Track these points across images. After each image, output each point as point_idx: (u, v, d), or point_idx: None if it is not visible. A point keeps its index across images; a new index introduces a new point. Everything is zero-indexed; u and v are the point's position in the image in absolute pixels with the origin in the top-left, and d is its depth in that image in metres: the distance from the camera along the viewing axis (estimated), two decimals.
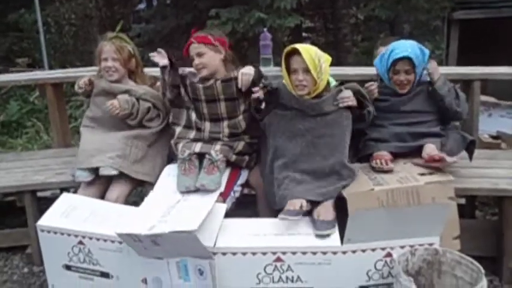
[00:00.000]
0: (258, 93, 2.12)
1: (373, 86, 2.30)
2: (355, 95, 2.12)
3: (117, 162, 2.28)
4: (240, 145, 2.29)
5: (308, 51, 2.05)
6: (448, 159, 2.04)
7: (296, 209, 1.91)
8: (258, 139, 2.34)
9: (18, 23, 8.62)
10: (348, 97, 2.10)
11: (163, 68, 2.30)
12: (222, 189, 2.15)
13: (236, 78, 2.23)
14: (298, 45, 2.07)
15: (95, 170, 2.29)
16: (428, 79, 2.31)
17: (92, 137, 2.42)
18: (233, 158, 2.25)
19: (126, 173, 2.29)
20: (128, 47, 2.45)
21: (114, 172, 2.26)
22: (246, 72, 2.22)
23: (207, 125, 2.31)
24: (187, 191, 2.12)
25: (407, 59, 2.22)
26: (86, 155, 2.32)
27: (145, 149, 2.40)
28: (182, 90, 2.35)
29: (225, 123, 2.29)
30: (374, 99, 2.29)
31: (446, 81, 2.27)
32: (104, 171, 2.25)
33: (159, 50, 2.31)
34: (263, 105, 2.17)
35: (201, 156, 2.24)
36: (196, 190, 2.12)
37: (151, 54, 2.32)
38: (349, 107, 2.11)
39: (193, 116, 2.35)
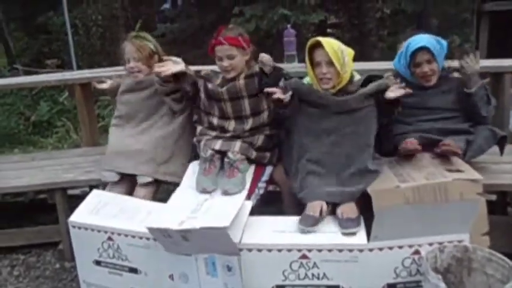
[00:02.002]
0: (280, 95, 2.08)
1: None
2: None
3: (144, 169, 2.32)
4: (260, 140, 2.28)
5: (330, 43, 2.04)
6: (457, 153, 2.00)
7: (315, 215, 1.92)
8: (278, 131, 2.33)
9: (47, 25, 8.84)
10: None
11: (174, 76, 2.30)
12: (247, 186, 2.15)
13: (257, 74, 2.24)
14: (320, 38, 2.06)
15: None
16: (455, 75, 2.26)
17: (120, 138, 2.45)
18: (253, 154, 2.25)
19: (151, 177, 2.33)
20: (148, 45, 2.46)
21: (150, 179, 2.30)
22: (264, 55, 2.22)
23: (232, 123, 2.32)
24: (204, 192, 2.13)
25: (425, 49, 2.19)
26: (114, 158, 2.37)
27: (172, 148, 2.42)
28: (202, 95, 2.36)
29: (250, 120, 2.30)
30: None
31: (481, 87, 2.20)
32: (141, 179, 2.30)
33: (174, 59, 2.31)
34: (286, 101, 2.14)
35: (222, 153, 2.24)
36: (213, 191, 2.14)
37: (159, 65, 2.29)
38: (378, 102, 2.09)
39: (215, 120, 2.34)
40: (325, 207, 1.95)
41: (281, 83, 2.17)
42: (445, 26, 7.55)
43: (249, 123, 2.30)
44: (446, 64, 2.30)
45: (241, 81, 2.26)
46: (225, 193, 2.11)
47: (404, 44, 2.29)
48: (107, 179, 2.37)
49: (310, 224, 1.90)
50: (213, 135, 2.33)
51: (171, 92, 2.40)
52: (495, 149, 2.27)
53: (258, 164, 2.29)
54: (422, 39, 2.22)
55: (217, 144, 2.25)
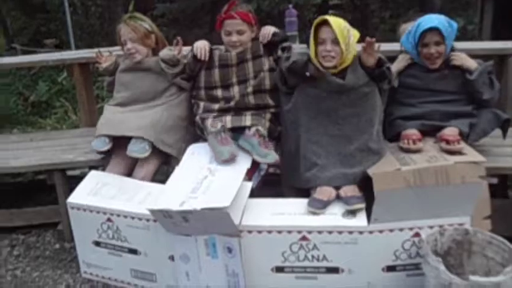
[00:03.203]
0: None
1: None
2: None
3: (146, 131, 2.26)
4: (268, 114, 2.28)
5: (337, 22, 2.01)
6: (460, 147, 1.97)
7: (324, 199, 1.92)
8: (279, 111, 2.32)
9: (45, 5, 8.73)
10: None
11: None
12: (249, 165, 2.13)
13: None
14: (328, 16, 2.03)
15: (115, 144, 2.31)
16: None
17: (117, 113, 2.42)
18: (267, 124, 2.22)
19: (152, 142, 2.27)
20: (143, 25, 2.42)
21: (145, 155, 2.25)
22: (267, 27, 2.32)
23: (236, 90, 2.29)
24: (231, 158, 2.09)
25: (436, 30, 2.15)
26: (106, 124, 2.33)
27: (175, 119, 2.41)
28: (202, 71, 2.34)
29: (251, 82, 2.28)
30: (402, 75, 2.24)
31: (482, 72, 2.17)
32: (133, 153, 2.24)
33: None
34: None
35: (232, 130, 2.20)
36: (232, 160, 2.10)
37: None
38: (371, 74, 2.07)
39: (219, 91, 2.33)
40: (334, 193, 1.96)
41: (279, 54, 2.22)
42: (448, 7, 7.44)
43: (250, 88, 2.27)
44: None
45: (248, 44, 2.27)
46: (277, 162, 2.11)
47: (415, 23, 2.24)
48: (97, 147, 2.32)
49: (319, 206, 1.91)
50: (216, 108, 2.29)
51: (179, 72, 2.40)
52: (497, 132, 2.24)
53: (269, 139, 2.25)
54: (433, 19, 2.18)
55: (228, 122, 2.21)
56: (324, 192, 1.96)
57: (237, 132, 2.19)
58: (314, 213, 1.90)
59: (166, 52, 2.40)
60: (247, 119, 2.19)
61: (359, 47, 2.07)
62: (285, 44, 2.32)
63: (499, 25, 4.91)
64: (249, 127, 2.16)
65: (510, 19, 4.74)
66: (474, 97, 2.21)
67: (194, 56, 2.32)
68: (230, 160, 2.10)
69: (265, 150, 2.10)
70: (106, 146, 2.32)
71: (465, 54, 2.25)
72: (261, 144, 2.11)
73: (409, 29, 2.31)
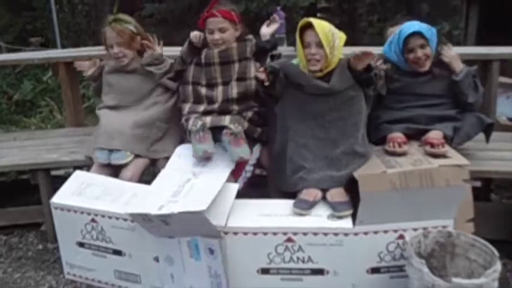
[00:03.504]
0: (262, 75, 2.07)
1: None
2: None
3: (136, 147, 2.29)
4: (249, 113, 2.27)
5: (322, 25, 2.02)
6: (444, 150, 1.99)
7: (310, 200, 1.93)
8: (266, 110, 2.31)
9: (31, 2, 8.61)
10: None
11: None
12: (232, 166, 2.13)
13: (250, 40, 2.29)
14: (312, 19, 2.03)
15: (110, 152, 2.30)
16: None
17: (111, 118, 2.41)
18: (246, 124, 2.22)
19: (144, 156, 2.30)
20: (128, 28, 2.39)
21: (127, 160, 2.25)
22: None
23: (219, 90, 2.29)
24: (205, 156, 2.10)
25: (418, 34, 2.18)
26: (107, 136, 2.32)
27: (165, 128, 2.42)
28: (191, 66, 2.34)
29: (235, 86, 2.27)
30: (387, 79, 2.26)
31: (467, 74, 2.20)
32: (115, 161, 2.25)
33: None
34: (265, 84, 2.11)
35: (212, 131, 2.20)
36: (212, 154, 2.11)
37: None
38: (358, 78, 2.08)
39: (203, 89, 2.32)
40: (320, 194, 1.96)
41: (268, 63, 2.16)
42: (435, 12, 7.53)
43: (234, 92, 2.26)
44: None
45: (233, 45, 2.26)
46: (241, 159, 2.09)
47: (396, 32, 2.26)
48: (99, 160, 2.31)
49: (305, 207, 1.91)
50: (201, 111, 2.30)
51: (166, 72, 2.40)
52: (480, 136, 2.28)
53: (248, 139, 2.24)
54: (413, 25, 2.21)
55: (208, 121, 2.21)
56: (310, 193, 1.97)
57: (219, 132, 2.19)
58: (300, 214, 1.90)
59: (147, 56, 2.39)
60: (226, 119, 2.20)
61: (349, 50, 2.07)
62: (275, 52, 2.32)
63: (484, 31, 4.98)
64: (227, 127, 2.17)
65: (494, 25, 4.82)
66: (459, 100, 2.24)
67: (190, 44, 2.31)
68: (204, 158, 2.11)
69: (235, 148, 2.10)
70: (108, 159, 2.29)
71: (456, 54, 2.26)
72: (231, 142, 2.11)
73: (390, 39, 2.33)
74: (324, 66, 2.06)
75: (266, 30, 2.32)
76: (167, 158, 2.27)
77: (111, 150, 2.28)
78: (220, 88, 2.29)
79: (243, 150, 2.09)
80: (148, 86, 2.45)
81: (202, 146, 2.11)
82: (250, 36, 2.32)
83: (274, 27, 2.34)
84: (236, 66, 2.28)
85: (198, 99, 2.34)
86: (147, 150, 2.33)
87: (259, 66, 2.27)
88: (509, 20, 4.84)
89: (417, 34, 2.18)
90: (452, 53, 2.25)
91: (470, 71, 2.22)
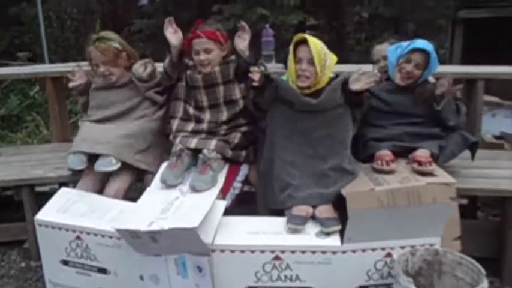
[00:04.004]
0: (255, 75, 2.09)
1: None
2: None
3: (124, 153, 2.25)
4: (236, 137, 2.27)
5: (315, 43, 2.04)
6: (432, 168, 2.00)
7: (303, 215, 1.92)
8: (254, 128, 2.32)
9: (20, 17, 8.59)
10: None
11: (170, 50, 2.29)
12: (221, 185, 2.12)
13: (233, 61, 2.27)
14: (307, 36, 2.05)
15: (89, 159, 2.26)
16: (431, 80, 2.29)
17: (94, 129, 2.38)
18: (229, 153, 2.23)
19: (128, 163, 2.26)
20: (112, 45, 2.38)
21: (113, 168, 2.22)
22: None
23: (207, 114, 2.29)
24: (166, 185, 2.10)
25: (426, 54, 2.19)
26: (84, 141, 2.28)
27: (152, 139, 2.39)
28: (183, 82, 2.35)
29: (224, 110, 2.28)
30: (374, 97, 2.29)
31: (448, 102, 2.21)
32: (101, 168, 2.21)
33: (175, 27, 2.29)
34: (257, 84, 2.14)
35: (197, 151, 2.21)
36: (175, 185, 2.11)
37: (167, 22, 2.28)
38: (349, 97, 2.10)
39: (191, 109, 2.33)
40: (310, 210, 1.96)
41: (260, 67, 2.19)
42: (421, 31, 7.67)
43: (224, 114, 2.27)
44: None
45: (216, 68, 2.26)
46: (193, 189, 2.07)
47: (412, 41, 2.26)
48: (73, 165, 2.26)
49: (299, 222, 1.90)
50: (189, 130, 2.30)
51: (153, 86, 2.39)
52: (466, 153, 2.30)
53: (233, 162, 2.26)
54: (429, 44, 2.23)
55: (193, 143, 2.22)
56: (302, 209, 1.95)
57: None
58: (295, 230, 1.88)
59: (137, 68, 2.37)
60: (212, 143, 2.20)
61: (338, 69, 2.08)
62: (265, 72, 2.25)
63: (469, 49, 5.09)
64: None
65: (479, 44, 4.92)
66: (440, 123, 2.26)
67: (171, 59, 2.30)
68: (164, 184, 2.11)
69: (197, 174, 2.11)
70: (82, 165, 2.26)
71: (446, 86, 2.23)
72: (198, 167, 2.14)
73: (388, 47, 2.35)
74: (312, 83, 2.07)
75: (242, 45, 2.25)
76: (153, 173, 2.25)
77: (95, 157, 2.24)
78: (207, 112, 2.30)
79: (201, 180, 2.08)
80: (136, 99, 2.43)
81: (168, 174, 2.12)
82: (233, 57, 2.31)
83: (246, 37, 2.25)
84: (221, 89, 2.27)
85: (186, 117, 2.35)
86: (133, 158, 2.28)
87: (243, 87, 2.28)
88: (492, 40, 4.96)
89: (425, 53, 2.20)
90: (445, 88, 2.21)
91: (451, 97, 2.23)
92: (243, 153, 2.29)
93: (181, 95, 2.38)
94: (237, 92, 2.29)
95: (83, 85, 2.51)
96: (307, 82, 2.07)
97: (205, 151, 2.16)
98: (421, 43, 2.23)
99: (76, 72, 2.51)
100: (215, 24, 2.33)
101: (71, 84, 2.52)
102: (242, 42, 2.25)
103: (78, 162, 2.26)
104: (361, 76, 2.05)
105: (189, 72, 2.32)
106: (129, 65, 2.44)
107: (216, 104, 2.29)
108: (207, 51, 2.23)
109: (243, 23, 2.25)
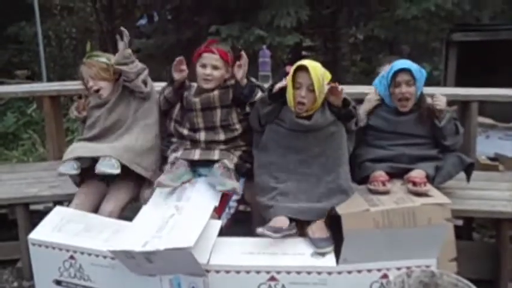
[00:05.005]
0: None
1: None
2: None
3: (125, 155, 2.23)
4: (237, 152, 2.29)
5: (315, 69, 2.06)
6: (426, 188, 2.01)
7: (277, 225, 1.91)
8: (251, 149, 2.33)
9: (19, 36, 8.66)
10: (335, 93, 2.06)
11: (171, 82, 2.31)
12: (216, 204, 2.12)
13: (232, 86, 2.26)
14: (307, 63, 2.07)
15: (85, 171, 2.25)
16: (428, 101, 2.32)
17: (88, 144, 2.37)
18: (235, 160, 2.23)
19: (126, 165, 2.22)
20: (100, 60, 2.40)
21: (115, 171, 2.16)
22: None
23: (202, 134, 2.30)
24: (159, 186, 2.10)
25: (408, 71, 2.24)
26: (77, 148, 2.27)
27: (153, 141, 2.38)
28: (178, 104, 2.35)
29: (221, 132, 2.29)
30: (372, 117, 2.32)
31: (450, 120, 2.25)
32: (103, 168, 2.15)
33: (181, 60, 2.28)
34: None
35: (197, 165, 2.22)
36: (175, 189, 2.11)
37: (177, 61, 2.27)
38: (338, 113, 2.12)
39: (185, 130, 2.34)
40: (287, 223, 1.94)
41: (259, 95, 2.22)
42: (415, 54, 7.77)
43: (220, 136, 2.29)
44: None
45: (215, 92, 2.26)
46: (234, 190, 2.07)
47: (389, 67, 2.33)
48: (65, 171, 2.20)
49: (274, 230, 1.87)
50: (189, 146, 2.31)
51: (138, 73, 2.36)
52: (461, 175, 2.31)
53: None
54: (405, 62, 2.29)
55: (196, 155, 2.22)
56: (278, 221, 1.95)
57: (204, 166, 2.20)
58: (270, 236, 1.85)
59: (117, 55, 2.34)
60: (215, 153, 2.21)
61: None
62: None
63: (464, 72, 5.15)
64: (217, 161, 2.18)
65: (473, 66, 4.99)
66: (438, 142, 2.29)
67: (173, 87, 2.31)
68: (159, 187, 2.11)
69: (228, 179, 2.10)
70: (74, 170, 2.21)
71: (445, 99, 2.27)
72: (224, 174, 2.12)
73: (382, 73, 2.39)
74: (309, 108, 2.09)
75: (239, 74, 2.23)
76: (150, 184, 2.24)
77: (95, 160, 2.21)
78: (203, 133, 2.30)
79: (230, 183, 2.08)
80: (131, 111, 2.41)
81: (165, 176, 2.12)
82: (232, 82, 2.30)
83: (244, 67, 2.23)
84: (218, 112, 2.28)
85: (180, 138, 2.36)
86: (133, 161, 2.26)
87: (239, 111, 2.30)
88: (486, 62, 5.03)
89: (406, 71, 2.24)
90: (444, 99, 2.26)
91: (452, 116, 2.27)
92: (248, 165, 2.28)
93: (173, 115, 2.39)
94: (234, 116, 2.30)
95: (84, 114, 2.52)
96: (304, 108, 2.09)
97: (226, 161, 2.16)
98: (398, 64, 2.28)
99: (82, 104, 2.51)
100: (227, 45, 2.39)
101: (75, 115, 2.53)
102: (239, 72, 2.24)
103: (69, 168, 2.20)
104: (333, 89, 2.06)
105: (186, 94, 2.33)
106: (118, 80, 2.44)
107: (212, 127, 2.30)
108: (215, 67, 2.24)
109: (243, 53, 2.26)
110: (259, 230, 1.87)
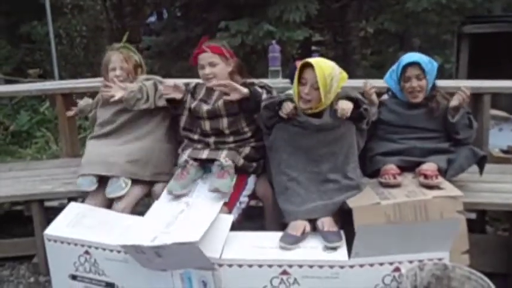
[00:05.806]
0: (286, 109, 2.08)
1: (369, 87, 2.35)
2: (349, 99, 2.07)
3: (140, 172, 2.29)
4: (246, 149, 2.29)
5: (322, 68, 2.02)
6: (438, 181, 2.00)
7: (297, 235, 1.92)
8: (263, 143, 2.33)
9: (31, 35, 8.75)
10: (345, 108, 2.02)
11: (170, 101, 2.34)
12: (227, 199, 2.13)
13: (238, 101, 2.21)
14: (313, 61, 2.05)
15: (98, 180, 2.29)
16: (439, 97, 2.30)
17: (100, 148, 2.41)
18: (240, 162, 2.24)
19: (139, 179, 2.29)
20: (134, 57, 2.47)
21: (123, 192, 2.24)
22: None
23: (212, 139, 2.32)
24: (172, 195, 2.13)
25: (417, 64, 2.23)
26: (93, 162, 2.31)
27: (161, 147, 2.42)
28: (186, 112, 2.37)
29: (231, 136, 2.30)
30: (382, 110, 2.32)
31: (463, 115, 2.22)
32: (112, 194, 2.24)
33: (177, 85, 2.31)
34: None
35: (206, 162, 2.24)
36: (180, 196, 2.13)
37: (164, 90, 2.30)
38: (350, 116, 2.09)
39: (196, 136, 2.36)
40: (308, 227, 1.95)
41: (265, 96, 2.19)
42: (426, 46, 7.71)
43: (230, 138, 2.30)
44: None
45: (219, 103, 2.26)
46: (216, 190, 2.09)
47: (398, 61, 2.32)
48: (83, 187, 2.28)
49: (290, 242, 1.90)
50: (199, 147, 2.33)
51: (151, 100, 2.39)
52: (474, 168, 2.29)
53: (240, 175, 2.26)
54: (414, 55, 2.27)
55: (204, 154, 2.24)
56: (298, 226, 1.95)
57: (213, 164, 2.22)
58: (285, 248, 1.88)
59: (129, 99, 2.34)
60: (223, 153, 2.22)
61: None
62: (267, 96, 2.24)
63: (476, 64, 5.10)
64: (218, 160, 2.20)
65: (486, 59, 4.94)
66: (450, 136, 2.27)
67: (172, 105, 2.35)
68: (170, 195, 2.14)
69: (216, 179, 2.12)
70: (93, 186, 2.29)
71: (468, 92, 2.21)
72: (215, 173, 2.15)
73: (392, 67, 2.39)
74: (314, 106, 2.09)
75: (236, 96, 2.18)
76: (164, 182, 2.27)
77: (104, 179, 2.27)
78: (212, 138, 2.32)
79: (222, 183, 2.10)
80: (141, 114, 2.44)
81: (173, 185, 2.16)
82: (246, 90, 2.18)
83: (230, 88, 2.17)
84: (225, 120, 2.28)
85: (191, 142, 2.38)
86: (142, 172, 2.31)
87: (248, 115, 2.28)
88: (498, 54, 4.97)
89: (415, 64, 2.23)
90: (465, 96, 2.19)
91: (466, 110, 2.24)
92: (254, 164, 2.30)
93: (181, 123, 2.40)
94: (242, 122, 2.29)
95: (89, 106, 2.61)
96: (309, 105, 2.08)
97: (221, 159, 2.18)
98: (406, 58, 2.27)
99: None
100: (220, 41, 2.38)
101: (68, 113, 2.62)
102: (235, 94, 2.18)
103: (88, 184, 2.28)
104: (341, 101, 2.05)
105: (194, 104, 2.32)
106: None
107: (221, 132, 2.30)
108: (212, 64, 2.25)
109: (225, 82, 2.19)
110: (281, 245, 1.89)
